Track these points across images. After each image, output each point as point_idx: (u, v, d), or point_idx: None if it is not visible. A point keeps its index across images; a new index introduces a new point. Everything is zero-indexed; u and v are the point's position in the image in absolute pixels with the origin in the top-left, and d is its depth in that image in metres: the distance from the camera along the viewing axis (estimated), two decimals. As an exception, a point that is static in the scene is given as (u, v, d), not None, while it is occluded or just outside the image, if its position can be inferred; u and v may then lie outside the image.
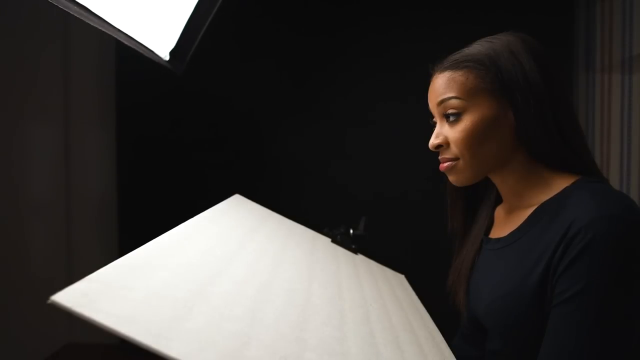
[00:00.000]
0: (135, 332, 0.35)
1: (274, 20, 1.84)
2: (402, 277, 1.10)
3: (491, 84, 0.69)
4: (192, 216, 0.69)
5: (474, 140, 0.69)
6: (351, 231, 1.11)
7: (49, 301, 0.33)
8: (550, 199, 0.69)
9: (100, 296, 0.37)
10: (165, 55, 1.03)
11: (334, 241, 1.03)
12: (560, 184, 0.69)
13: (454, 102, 0.70)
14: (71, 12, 0.63)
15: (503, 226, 0.78)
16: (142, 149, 1.87)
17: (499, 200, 0.84)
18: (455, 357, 0.70)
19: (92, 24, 0.69)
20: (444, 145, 0.73)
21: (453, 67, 0.71)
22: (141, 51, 0.90)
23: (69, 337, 1.80)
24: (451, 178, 0.75)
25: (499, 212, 0.82)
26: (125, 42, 0.82)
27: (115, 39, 0.79)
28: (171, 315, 0.40)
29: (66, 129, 1.83)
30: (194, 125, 1.88)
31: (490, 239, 0.80)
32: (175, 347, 0.36)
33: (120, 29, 0.80)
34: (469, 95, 0.70)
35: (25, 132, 1.62)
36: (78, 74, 1.84)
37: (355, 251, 1.04)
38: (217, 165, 1.87)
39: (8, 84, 1.52)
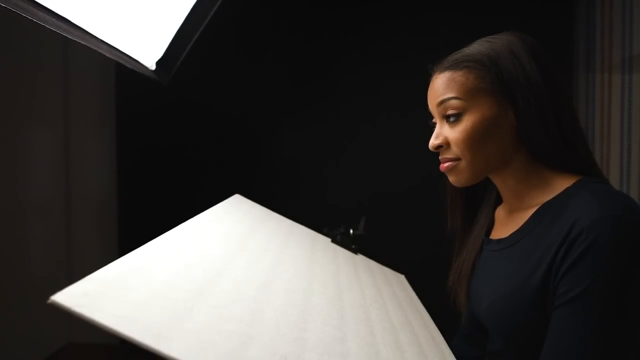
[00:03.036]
0: (135, 332, 0.35)
1: (271, 23, 1.84)
2: (402, 277, 1.10)
3: (491, 84, 0.69)
4: (192, 216, 0.69)
5: (474, 140, 0.69)
6: (351, 231, 1.11)
7: (49, 301, 0.33)
8: (552, 199, 0.68)
9: (100, 296, 0.37)
10: (151, 64, 1.01)
11: (334, 241, 1.03)
12: (561, 184, 0.69)
13: (454, 102, 0.70)
14: (48, 26, 0.59)
15: (504, 227, 0.78)
16: (141, 149, 1.88)
17: (499, 201, 0.83)
18: (455, 357, 0.70)
19: (70, 37, 0.65)
20: (444, 146, 0.73)
21: (453, 67, 0.71)
22: (124, 62, 0.88)
23: (69, 337, 1.81)
24: (451, 178, 0.75)
25: (500, 212, 0.82)
26: (107, 55, 0.79)
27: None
28: (171, 315, 0.40)
29: (66, 130, 1.83)
30: (193, 126, 1.88)
31: (491, 239, 0.80)
32: (175, 347, 0.36)
33: (103, 39, 0.77)
34: (469, 95, 0.69)
35: (26, 133, 1.62)
36: (78, 75, 1.84)
37: (355, 251, 1.04)
38: (216, 166, 1.87)
39: (9, 87, 1.52)
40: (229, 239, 0.68)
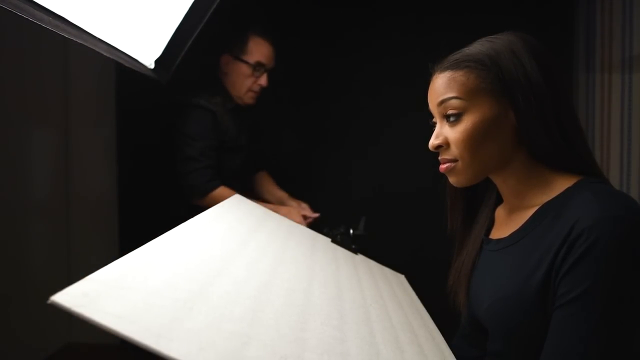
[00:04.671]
0: (135, 332, 0.35)
1: (271, 20, 1.84)
2: (402, 277, 1.10)
3: (492, 84, 0.69)
4: (192, 216, 0.69)
5: (474, 141, 0.69)
6: (351, 231, 1.11)
7: (49, 301, 0.33)
8: (552, 199, 0.68)
9: (100, 296, 0.37)
10: (150, 63, 1.00)
11: (334, 241, 1.03)
12: (561, 184, 0.69)
13: (454, 102, 0.70)
14: (45, 26, 0.58)
15: (504, 227, 0.78)
16: (142, 149, 1.87)
17: (499, 201, 0.83)
18: (455, 357, 0.70)
19: (68, 36, 0.65)
20: (444, 146, 0.73)
21: (453, 67, 0.71)
22: (123, 61, 0.88)
23: (69, 337, 1.80)
24: (451, 179, 0.75)
25: (500, 212, 0.82)
26: (106, 54, 0.79)
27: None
28: (171, 315, 0.40)
29: (67, 130, 1.83)
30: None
31: (491, 239, 0.80)
32: (175, 347, 0.36)
33: (102, 38, 0.77)
34: (469, 95, 0.69)
35: (27, 134, 1.62)
36: (78, 76, 1.84)
37: (355, 251, 1.04)
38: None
39: (10, 87, 1.52)
40: (229, 239, 0.68)
